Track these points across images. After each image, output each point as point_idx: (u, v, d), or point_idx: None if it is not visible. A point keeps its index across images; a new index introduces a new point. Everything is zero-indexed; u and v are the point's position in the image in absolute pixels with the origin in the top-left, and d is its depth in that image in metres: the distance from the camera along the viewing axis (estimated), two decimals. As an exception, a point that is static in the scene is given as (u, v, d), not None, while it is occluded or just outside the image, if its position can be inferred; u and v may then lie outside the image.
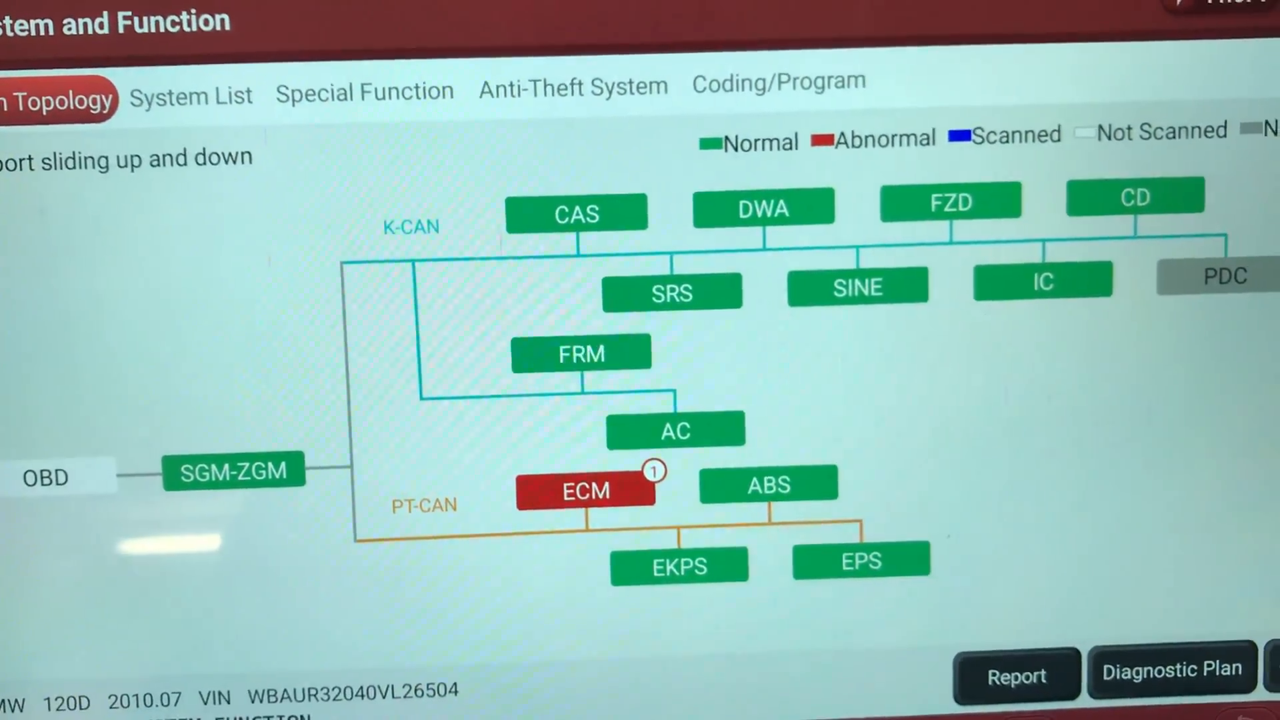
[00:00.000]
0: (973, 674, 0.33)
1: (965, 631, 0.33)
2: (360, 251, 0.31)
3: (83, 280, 0.31)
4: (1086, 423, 0.32)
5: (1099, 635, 0.33)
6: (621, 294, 0.32)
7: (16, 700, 0.32)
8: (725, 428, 0.32)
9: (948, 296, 0.32)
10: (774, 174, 0.31)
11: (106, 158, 0.31)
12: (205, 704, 0.32)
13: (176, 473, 0.32)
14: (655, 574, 0.32)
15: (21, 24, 0.30)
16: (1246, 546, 0.33)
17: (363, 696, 0.33)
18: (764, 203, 0.31)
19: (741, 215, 0.31)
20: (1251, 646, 0.33)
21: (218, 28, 0.30)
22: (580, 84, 0.31)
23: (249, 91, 0.31)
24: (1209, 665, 0.33)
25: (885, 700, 0.33)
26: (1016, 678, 0.33)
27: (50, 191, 0.31)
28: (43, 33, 0.30)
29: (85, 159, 0.31)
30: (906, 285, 0.32)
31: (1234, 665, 0.33)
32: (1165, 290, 0.32)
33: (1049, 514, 0.32)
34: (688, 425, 0.32)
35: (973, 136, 0.31)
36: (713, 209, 0.31)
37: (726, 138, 0.31)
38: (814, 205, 0.31)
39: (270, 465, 0.32)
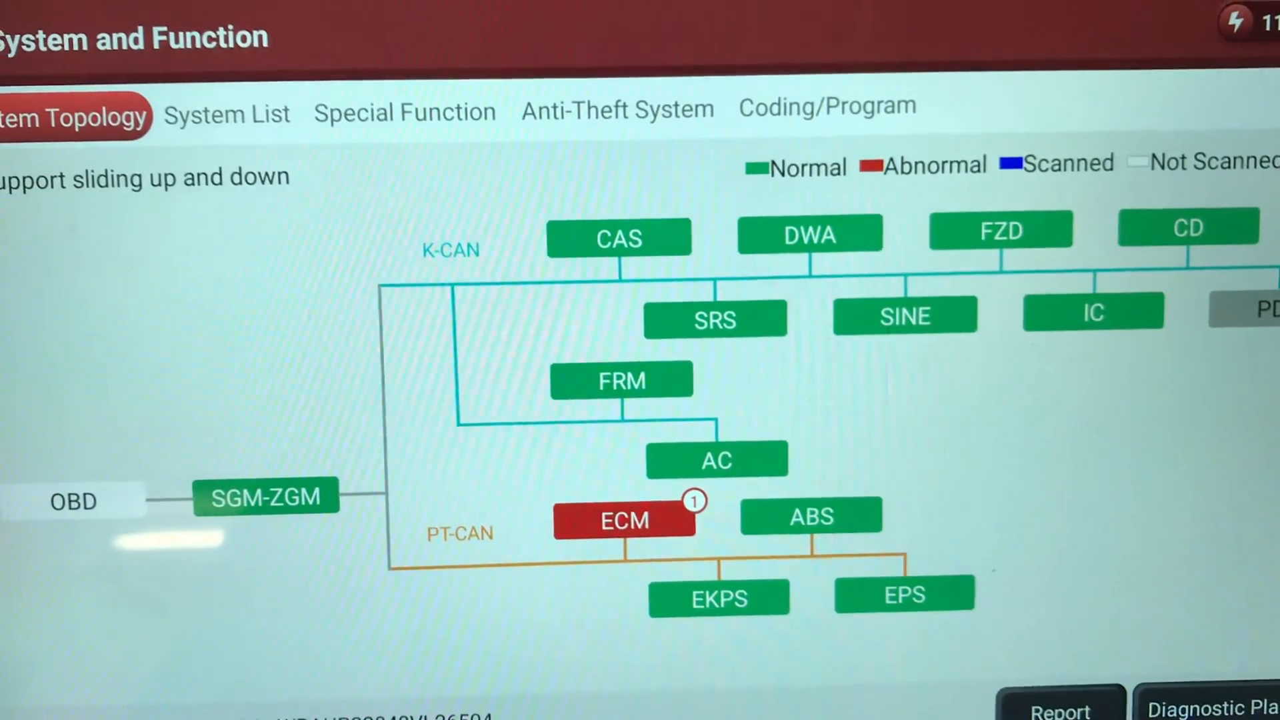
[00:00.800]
0: (1016, 710, 0.32)
1: (1009, 667, 0.32)
2: (398, 274, 0.30)
3: (114, 301, 0.30)
4: (1136, 457, 0.31)
5: (1145, 672, 0.32)
6: (663, 320, 0.31)
7: (41, 728, 0.32)
8: (767, 458, 0.31)
9: (997, 326, 0.31)
10: (821, 200, 0.31)
11: (140, 176, 0.30)
12: (233, 733, 0.32)
13: (208, 498, 0.31)
14: (694, 606, 0.32)
15: (55, 39, 0.30)
16: (1295, 583, 0.32)
17: (394, 727, 0.32)
18: (810, 229, 0.31)
19: (787, 241, 0.31)
20: (1299, 685, 0.33)
21: (255, 45, 0.30)
22: (625, 106, 0.30)
23: (286, 110, 0.30)
24: (1257, 704, 0.32)
25: (926, 736, 0.32)
26: (1060, 714, 0.32)
27: (82, 210, 0.30)
28: (76, 48, 0.30)
29: (118, 177, 0.30)
30: (955, 315, 0.31)
31: (1281, 703, 0.33)
32: (1217, 323, 0.31)
33: (1095, 548, 0.32)
34: (729, 455, 0.31)
35: (1024, 164, 0.31)
36: (758, 235, 0.31)
37: (773, 162, 0.31)
38: (861, 232, 0.31)
39: (303, 491, 0.31)
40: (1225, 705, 0.32)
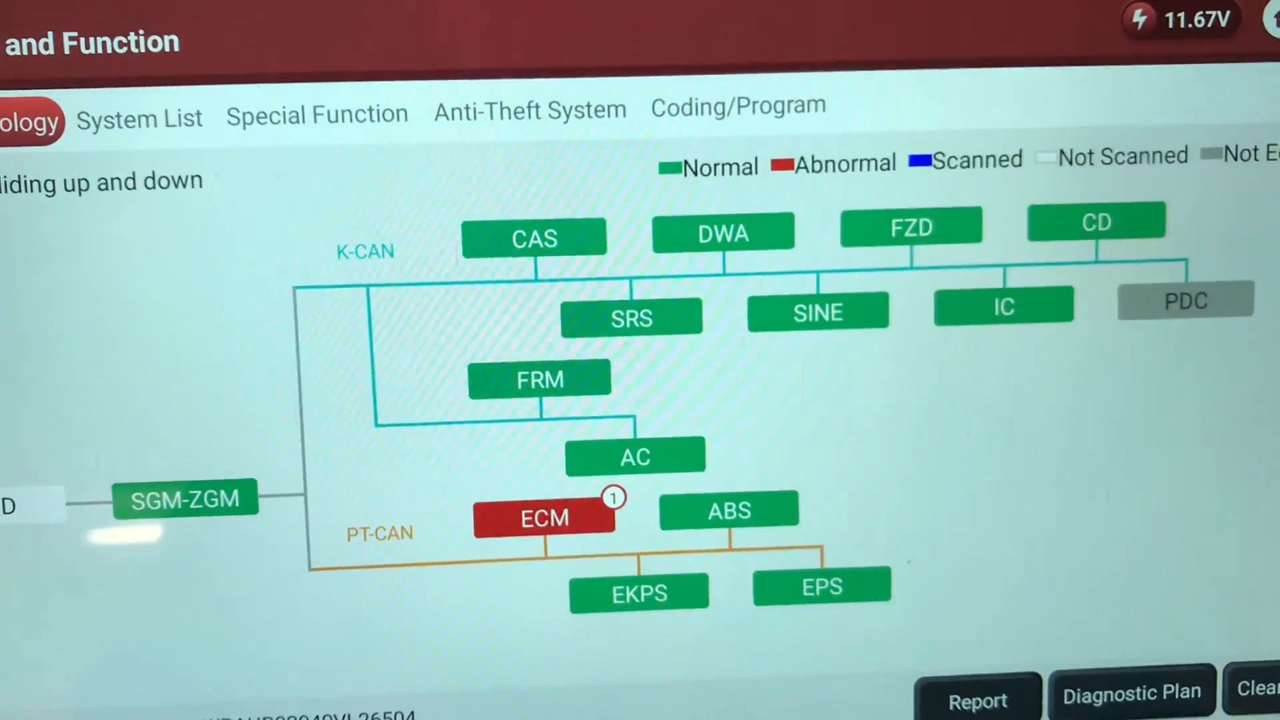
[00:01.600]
0: (934, 699, 0.33)
1: (926, 657, 0.33)
2: (313, 276, 0.31)
3: (29, 306, 0.30)
4: (1047, 448, 0.32)
5: (1060, 659, 0.33)
6: (580, 319, 0.31)
7: (-37, 733, 0.32)
8: (685, 454, 0.32)
9: (908, 322, 0.31)
10: (734, 199, 0.31)
11: (53, 181, 0.30)
12: (158, 734, 0.32)
13: (127, 501, 0.31)
14: (615, 601, 0.32)
15: (-36, 44, 0.30)
16: (1206, 570, 0.33)
17: (319, 726, 0.32)
18: (724, 227, 0.31)
19: (701, 240, 0.31)
20: (1211, 670, 0.33)
21: (166, 49, 0.30)
22: (537, 107, 0.30)
23: (199, 114, 0.30)
24: (1169, 688, 0.33)
25: (846, 726, 0.33)
26: (978, 702, 0.33)
27: (-5, 215, 0.30)
28: (-14, 53, 0.30)
29: (31, 182, 0.30)
30: (867, 310, 0.31)
31: (1193, 688, 0.33)
32: (1126, 315, 0.32)
33: (1010, 539, 0.32)
34: (648, 451, 0.32)
35: (933, 161, 0.31)
36: (672, 234, 0.31)
37: (686, 162, 0.31)
38: (774, 230, 0.31)
39: (222, 493, 0.31)
40: (1138, 690, 0.33)
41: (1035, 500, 0.32)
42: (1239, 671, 0.33)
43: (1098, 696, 0.33)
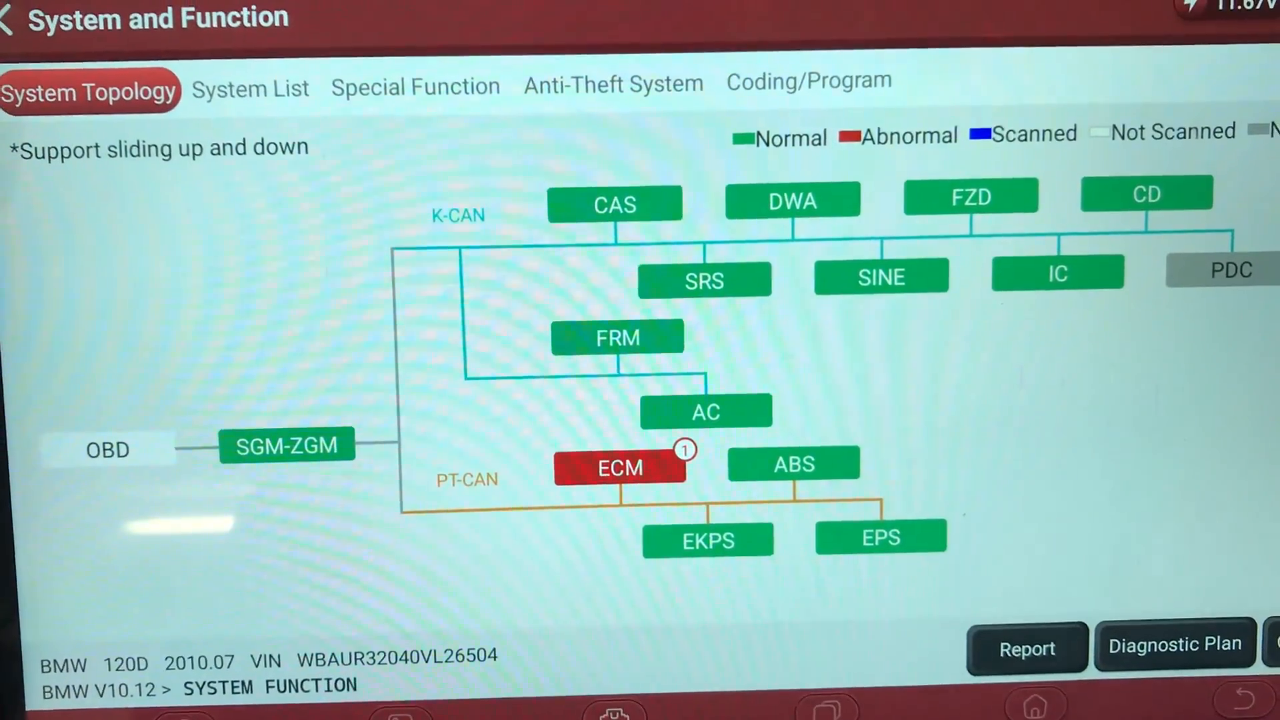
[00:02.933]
0: (986, 646, 0.35)
1: (979, 605, 0.34)
2: (410, 238, 0.33)
3: (146, 263, 0.32)
4: (1096, 408, 0.34)
5: (1106, 611, 0.35)
6: (656, 281, 0.33)
7: (79, 660, 0.34)
8: (753, 409, 0.34)
9: (967, 287, 0.33)
10: (803, 168, 0.33)
11: (169, 146, 0.32)
12: (257, 666, 0.34)
13: (232, 446, 0.33)
14: (685, 547, 0.34)
15: (90, 18, 0.32)
16: (1248, 528, 0.34)
17: (406, 661, 0.34)
18: (793, 195, 0.33)
19: (771, 207, 0.33)
20: (1251, 623, 0.35)
21: (276, 24, 0.32)
22: (620, 81, 0.32)
23: (305, 85, 0.32)
24: (1210, 640, 0.35)
25: (902, 670, 0.35)
26: (1027, 650, 0.35)
27: (116, 178, 0.32)
28: (110, 26, 0.32)
29: (149, 147, 0.32)
30: (928, 275, 0.33)
31: (1234, 641, 0.35)
32: (1174, 283, 0.33)
33: (1060, 495, 0.34)
34: (717, 407, 0.34)
35: (993, 134, 0.33)
36: (744, 201, 0.33)
37: (758, 133, 0.33)
38: (841, 198, 0.33)
39: (322, 440, 0.33)
40: (1181, 642, 0.35)
41: (1084, 458, 0.34)
42: (1278, 625, 0.35)
43: (1142, 646, 0.35)
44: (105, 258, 0.32)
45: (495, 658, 0.34)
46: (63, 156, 0.32)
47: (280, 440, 0.33)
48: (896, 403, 0.34)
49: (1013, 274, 0.33)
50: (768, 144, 0.33)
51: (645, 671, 0.34)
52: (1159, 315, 0.33)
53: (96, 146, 0.32)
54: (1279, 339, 0.34)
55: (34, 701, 0.34)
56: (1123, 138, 0.33)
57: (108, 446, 0.33)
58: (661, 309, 0.33)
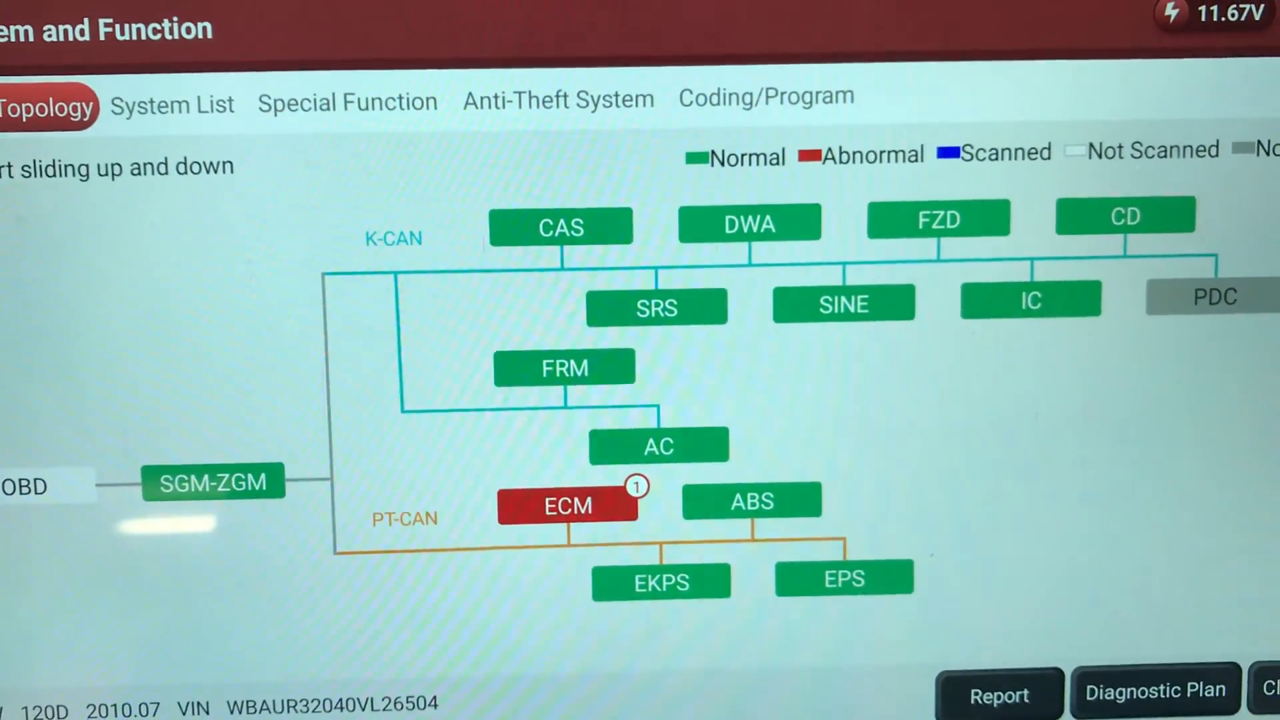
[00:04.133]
0: (955, 693, 0.33)
1: (948, 650, 0.33)
2: (342, 263, 0.31)
3: (62, 290, 0.31)
4: (1073, 443, 0.32)
5: (1083, 655, 0.33)
6: (605, 308, 0.31)
7: (-6, 709, 0.32)
8: (709, 443, 0.32)
9: (934, 314, 0.31)
10: (760, 189, 0.31)
11: (87, 166, 0.30)
12: (184, 714, 0.32)
13: (156, 483, 0.31)
14: (637, 590, 0.32)
15: (1, 30, 0.30)
16: (1232, 568, 0.33)
17: (342, 708, 0.32)
18: (750, 218, 0.31)
19: (727, 230, 0.31)
20: (1235, 668, 0.33)
21: (200, 36, 0.30)
22: (565, 96, 0.31)
23: (231, 100, 0.30)
24: (1193, 686, 0.33)
25: (867, 719, 0.33)
26: (999, 697, 0.33)
27: (29, 200, 0.30)
28: (22, 39, 0.30)
29: (65, 167, 0.30)
30: (893, 302, 0.31)
31: (1218, 687, 0.33)
32: (1154, 310, 0.32)
33: (1034, 533, 0.32)
34: (671, 440, 0.32)
35: (962, 153, 0.31)
36: (698, 224, 0.31)
37: (713, 152, 0.31)
38: (800, 221, 0.31)
39: (250, 477, 0.31)
40: (1162, 688, 0.33)
41: (1059, 495, 0.32)
42: (1265, 670, 0.33)
43: (1120, 693, 0.33)
44: (18, 285, 0.31)
45: (435, 706, 0.33)
46: (-28, 177, 0.30)
47: (206, 477, 0.31)
48: (860, 437, 0.32)
49: (983, 301, 0.31)
50: (723, 163, 0.31)
51: (593, 722, 0.33)
52: (1138, 345, 0.32)
53: (9, 166, 0.30)
54: (1266, 370, 0.32)
55: (-52, 752, 0.32)
56: (1100, 156, 0.31)
57: (24, 483, 0.31)
58: (611, 338, 0.31)
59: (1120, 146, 0.31)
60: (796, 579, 0.32)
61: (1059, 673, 0.33)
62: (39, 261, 0.31)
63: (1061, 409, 0.32)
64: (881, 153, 0.31)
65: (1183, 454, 0.32)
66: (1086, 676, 0.33)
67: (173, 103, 0.30)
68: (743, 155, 0.31)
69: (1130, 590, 0.33)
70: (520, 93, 0.31)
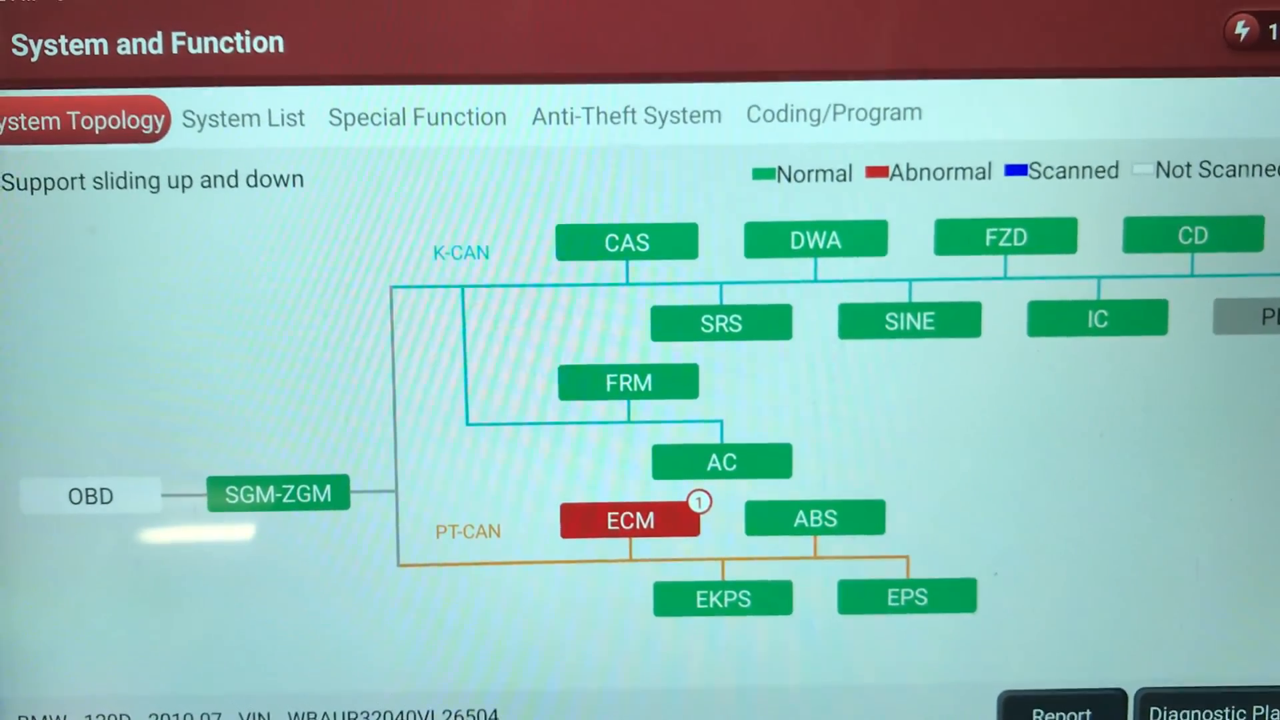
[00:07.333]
0: (1017, 713, 0.33)
1: (1010, 669, 0.32)
2: (409, 276, 0.31)
3: (131, 300, 0.31)
4: (1138, 462, 0.32)
5: (1146, 676, 0.33)
6: (670, 323, 0.31)
7: (59, 717, 0.32)
8: (772, 460, 0.32)
9: (1000, 332, 0.31)
10: (827, 205, 0.31)
11: (158, 178, 0.31)
12: (245, 724, 0.33)
13: (221, 494, 0.32)
14: (698, 605, 0.32)
15: (76, 43, 0.30)
16: (1298, 590, 0.32)
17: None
18: (816, 234, 0.31)
19: (793, 246, 0.31)
20: (1302, 691, 0.33)
21: (271, 50, 0.30)
22: (633, 112, 0.31)
23: (301, 114, 0.31)
24: (1259, 709, 0.33)
25: (928, 737, 0.33)
26: (1061, 717, 0.33)
27: (100, 211, 0.31)
28: (97, 52, 0.30)
29: (136, 179, 0.31)
30: (959, 320, 0.31)
31: (1283, 710, 0.33)
32: (1221, 330, 0.31)
33: (1098, 552, 0.32)
34: (734, 456, 0.32)
35: (1029, 171, 0.31)
36: (764, 239, 0.31)
37: (780, 168, 0.31)
38: (867, 237, 0.31)
39: (315, 488, 0.32)
40: (1227, 711, 0.33)
41: (1125, 514, 0.32)
42: (1330, 694, 0.33)
43: (1185, 715, 0.33)
44: (90, 295, 0.31)
45: (495, 718, 0.32)
46: (46, 188, 0.31)
47: (271, 488, 0.32)
48: (924, 454, 0.32)
49: (1049, 319, 0.31)
50: (789, 179, 0.31)
51: (654, 738, 0.33)
52: (1205, 365, 0.31)
53: (81, 178, 0.31)
54: (1334, 390, 0.32)
55: (11, 759, 0.33)
56: (1168, 175, 0.31)
57: (90, 493, 0.32)
58: (675, 352, 0.31)
59: (1188, 165, 0.31)
60: (859, 597, 0.32)
61: (1122, 694, 0.33)
62: (109, 272, 0.31)
63: (1127, 428, 0.32)
64: (949, 170, 0.31)
65: (1249, 474, 0.32)
66: (1150, 698, 0.33)
67: (243, 116, 0.31)
68: (809, 171, 0.31)
69: (1195, 611, 0.32)
70: (588, 108, 0.31)
